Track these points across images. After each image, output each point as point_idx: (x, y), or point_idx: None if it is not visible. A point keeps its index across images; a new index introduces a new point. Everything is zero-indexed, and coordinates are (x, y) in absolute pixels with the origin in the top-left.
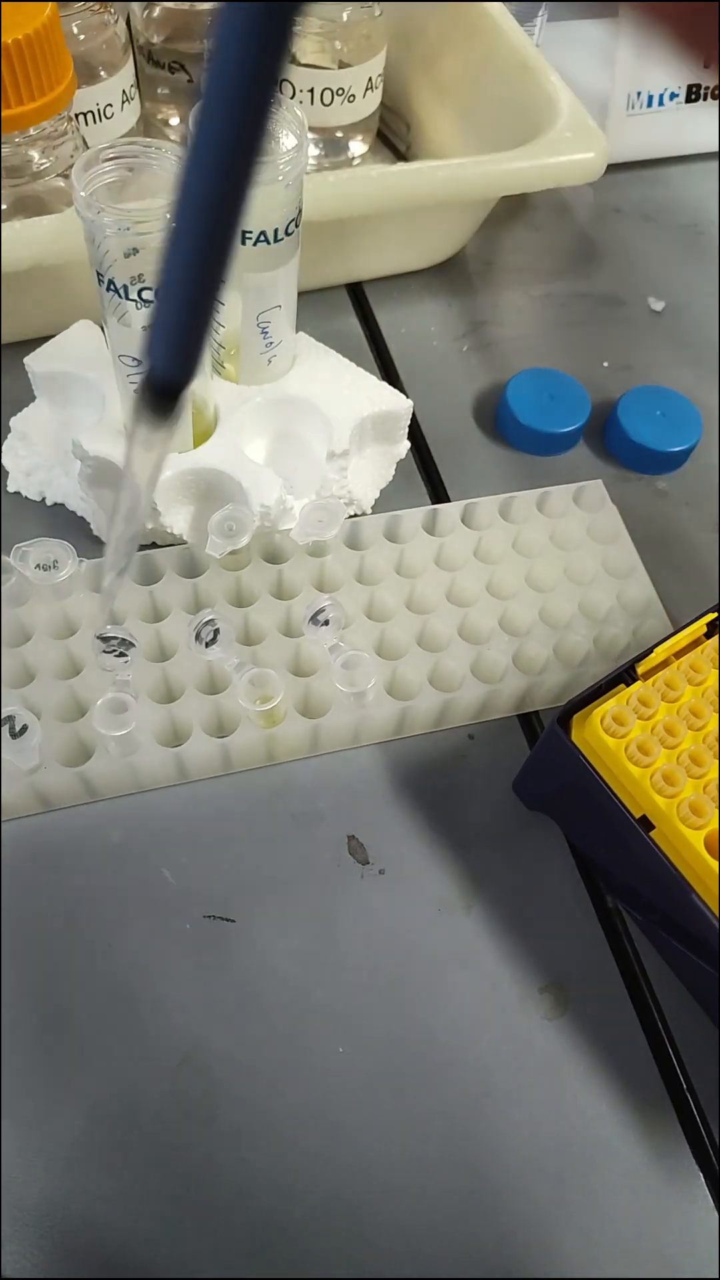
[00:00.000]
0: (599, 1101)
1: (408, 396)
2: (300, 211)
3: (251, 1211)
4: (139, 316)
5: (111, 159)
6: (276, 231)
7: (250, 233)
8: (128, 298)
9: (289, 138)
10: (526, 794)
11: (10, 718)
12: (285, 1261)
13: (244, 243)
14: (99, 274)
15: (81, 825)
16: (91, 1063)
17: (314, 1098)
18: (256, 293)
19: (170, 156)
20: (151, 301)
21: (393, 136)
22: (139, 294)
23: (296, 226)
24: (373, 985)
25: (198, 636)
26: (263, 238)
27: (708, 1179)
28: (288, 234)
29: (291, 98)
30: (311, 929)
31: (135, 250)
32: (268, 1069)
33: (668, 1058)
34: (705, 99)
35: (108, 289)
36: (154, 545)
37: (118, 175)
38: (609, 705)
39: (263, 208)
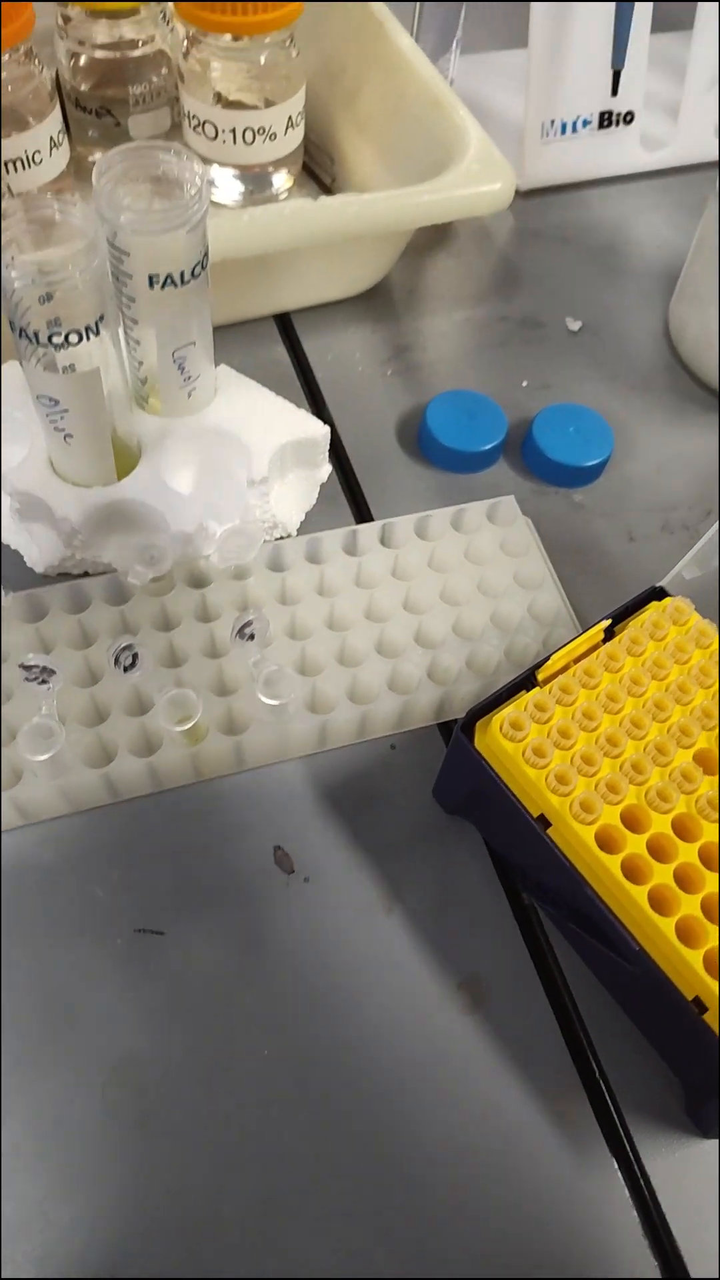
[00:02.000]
0: (515, 1091)
1: (333, 421)
2: (206, 253)
3: (182, 1210)
4: (57, 360)
5: (20, 213)
6: (184, 274)
7: (157, 276)
8: (40, 343)
9: (190, 185)
10: (444, 799)
11: None
12: (214, 1261)
13: (151, 286)
14: (13, 324)
15: (14, 847)
16: (26, 1074)
17: (240, 1100)
18: (170, 331)
19: (73, 205)
20: (63, 342)
21: (318, 169)
22: (50, 340)
23: (203, 268)
24: (298, 989)
25: (116, 661)
26: (170, 280)
27: (620, 1165)
28: (194, 275)
29: (214, 138)
30: (239, 937)
31: (49, 297)
32: (196, 1074)
33: (581, 1046)
34: (618, 124)
35: (22, 338)
36: (85, 574)
37: (28, 229)
38: (507, 711)
39: (168, 253)
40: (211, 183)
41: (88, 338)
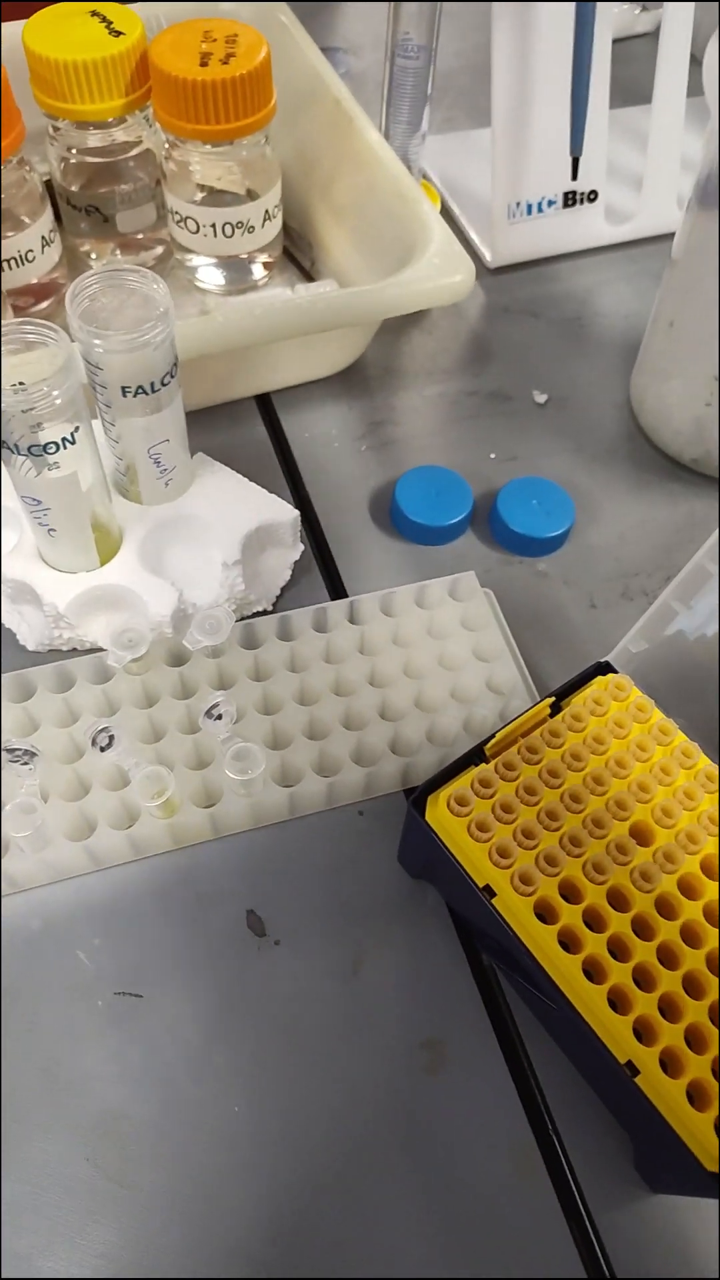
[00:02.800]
0: (473, 1148)
1: (309, 497)
2: (175, 363)
3: (161, 1260)
4: (27, 464)
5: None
6: (154, 384)
7: (129, 387)
8: (23, 454)
9: (157, 305)
10: (407, 864)
11: None
12: None
13: (124, 395)
14: None
15: (3, 916)
16: (13, 1133)
17: (215, 1155)
18: (145, 432)
19: (48, 331)
20: (42, 451)
21: (297, 254)
22: (29, 449)
23: (173, 376)
24: (268, 1047)
25: (94, 743)
26: (141, 390)
27: (571, 1219)
28: (164, 384)
29: (196, 232)
30: (213, 998)
31: (29, 410)
32: (174, 1130)
33: (535, 1104)
34: (582, 203)
35: (7, 449)
36: (74, 650)
37: (13, 352)
38: (454, 786)
39: (139, 367)
40: (195, 271)
41: (64, 447)
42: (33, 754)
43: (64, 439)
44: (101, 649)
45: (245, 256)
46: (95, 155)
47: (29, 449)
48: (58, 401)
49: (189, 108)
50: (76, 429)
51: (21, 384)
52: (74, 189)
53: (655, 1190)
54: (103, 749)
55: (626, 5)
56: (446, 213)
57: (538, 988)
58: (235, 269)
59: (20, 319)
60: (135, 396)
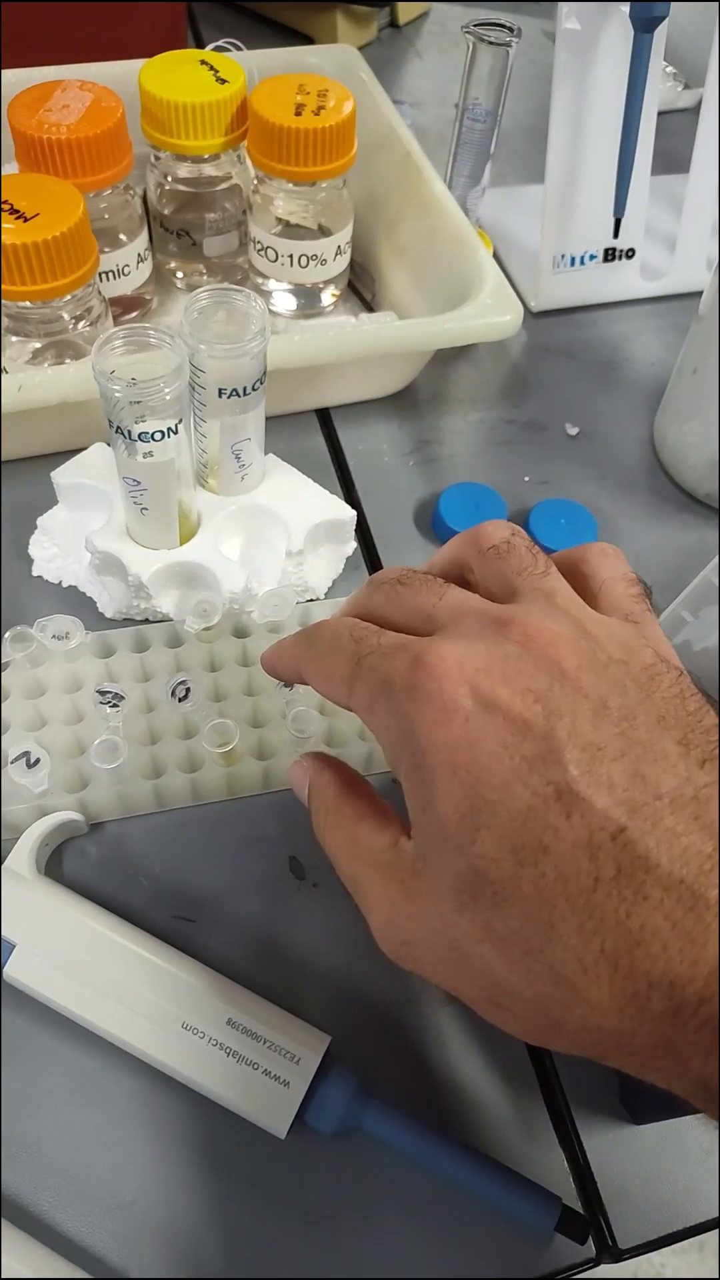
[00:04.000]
0: (480, 1075)
1: (360, 503)
2: (265, 372)
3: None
4: (139, 449)
5: (120, 341)
6: (245, 388)
7: (224, 390)
8: (130, 438)
9: (255, 324)
10: None
11: (27, 753)
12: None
13: (219, 396)
14: (109, 419)
15: (79, 840)
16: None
17: None
18: (230, 430)
19: (165, 336)
20: (149, 438)
21: (360, 286)
22: (138, 435)
23: (261, 384)
24: (301, 975)
25: (173, 693)
26: (234, 392)
27: (562, 1141)
28: (254, 389)
29: (275, 261)
30: (257, 930)
31: (138, 402)
32: None
33: None
34: (620, 259)
35: (115, 431)
36: (146, 621)
37: (126, 353)
38: None
39: (234, 373)
40: (270, 295)
41: (168, 436)
42: (122, 697)
43: (168, 429)
44: (170, 620)
45: (316, 285)
46: (190, 185)
47: (139, 435)
48: (167, 398)
49: (280, 150)
50: (179, 421)
51: (134, 380)
52: (167, 213)
53: (638, 1121)
54: (180, 699)
55: (670, 82)
56: (495, 259)
57: None
58: (306, 296)
59: (139, 325)
60: (228, 398)
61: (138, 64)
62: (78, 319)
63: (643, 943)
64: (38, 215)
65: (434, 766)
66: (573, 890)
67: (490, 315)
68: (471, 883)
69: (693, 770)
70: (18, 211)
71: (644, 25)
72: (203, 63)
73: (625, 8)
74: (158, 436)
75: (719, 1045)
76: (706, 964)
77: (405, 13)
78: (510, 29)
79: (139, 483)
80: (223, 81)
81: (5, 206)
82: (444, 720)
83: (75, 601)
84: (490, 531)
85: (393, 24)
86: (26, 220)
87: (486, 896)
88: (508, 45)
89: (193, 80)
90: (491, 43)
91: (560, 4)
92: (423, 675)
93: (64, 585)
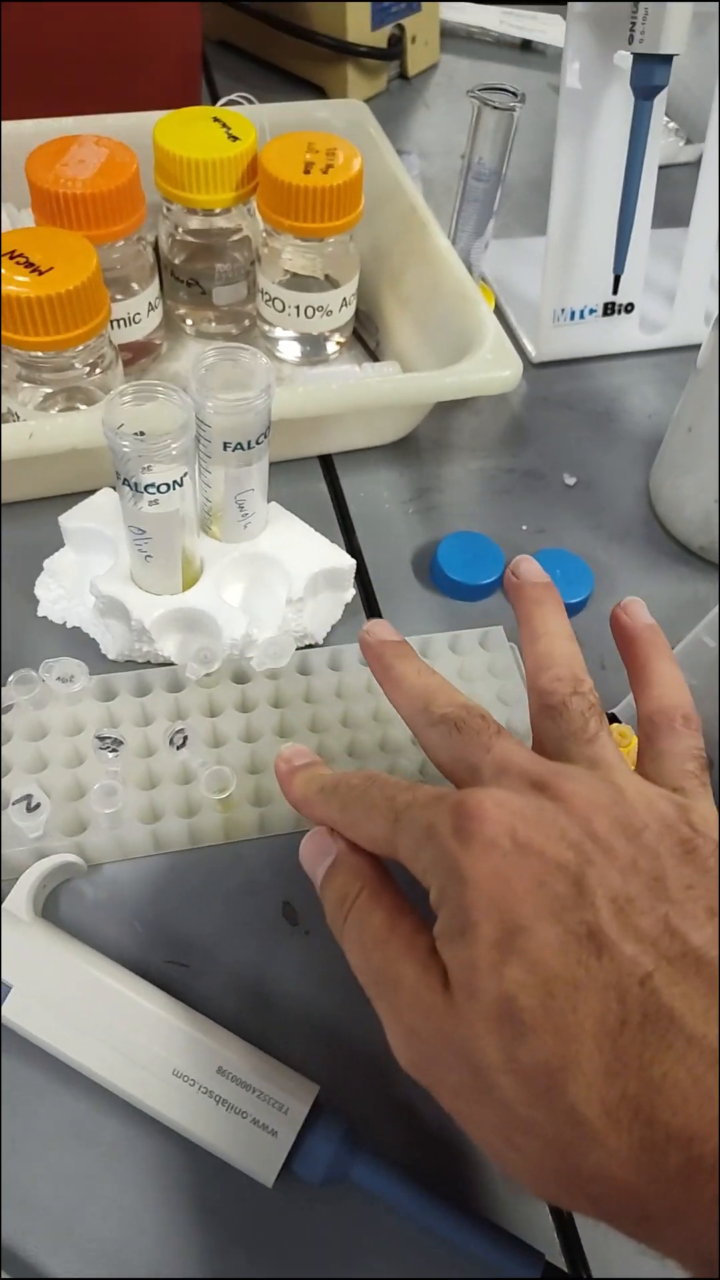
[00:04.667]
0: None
1: (360, 549)
2: (268, 427)
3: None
4: (145, 499)
5: (130, 396)
6: (250, 442)
7: (229, 443)
8: (136, 490)
9: (260, 381)
10: None
11: (28, 796)
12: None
13: (224, 449)
14: (117, 471)
15: (75, 881)
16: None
17: None
18: (234, 481)
19: (174, 393)
20: (154, 489)
21: (365, 335)
22: (144, 487)
23: (265, 437)
24: (291, 1022)
25: (170, 741)
26: (239, 446)
27: None
28: (258, 443)
29: (281, 311)
30: (249, 976)
31: (141, 456)
32: None
33: None
34: (619, 313)
35: (122, 482)
36: (148, 664)
37: (135, 406)
38: None
39: (240, 428)
40: (276, 342)
41: (173, 489)
42: (120, 742)
43: (173, 481)
44: (171, 664)
45: (321, 335)
46: (200, 237)
47: (145, 487)
48: (174, 452)
49: (289, 207)
50: (185, 474)
51: (141, 433)
52: (178, 262)
53: None
54: (178, 747)
55: (672, 138)
56: (498, 310)
57: None
58: (311, 344)
59: (148, 379)
60: (233, 451)
61: (152, 116)
62: (91, 367)
63: (664, 1092)
64: (52, 269)
65: (474, 896)
66: (600, 1030)
67: (490, 370)
68: (501, 1009)
69: (716, 936)
70: (33, 265)
71: (644, 94)
72: (215, 120)
73: (627, 73)
74: (164, 489)
75: None
76: None
77: (414, 64)
78: (514, 93)
79: (144, 531)
80: (234, 139)
81: (20, 260)
82: (483, 855)
83: (79, 642)
84: (551, 687)
85: (402, 75)
86: (41, 274)
87: (514, 1025)
88: (512, 110)
89: (205, 137)
90: (496, 107)
91: (564, 63)
92: (464, 817)
93: (68, 626)
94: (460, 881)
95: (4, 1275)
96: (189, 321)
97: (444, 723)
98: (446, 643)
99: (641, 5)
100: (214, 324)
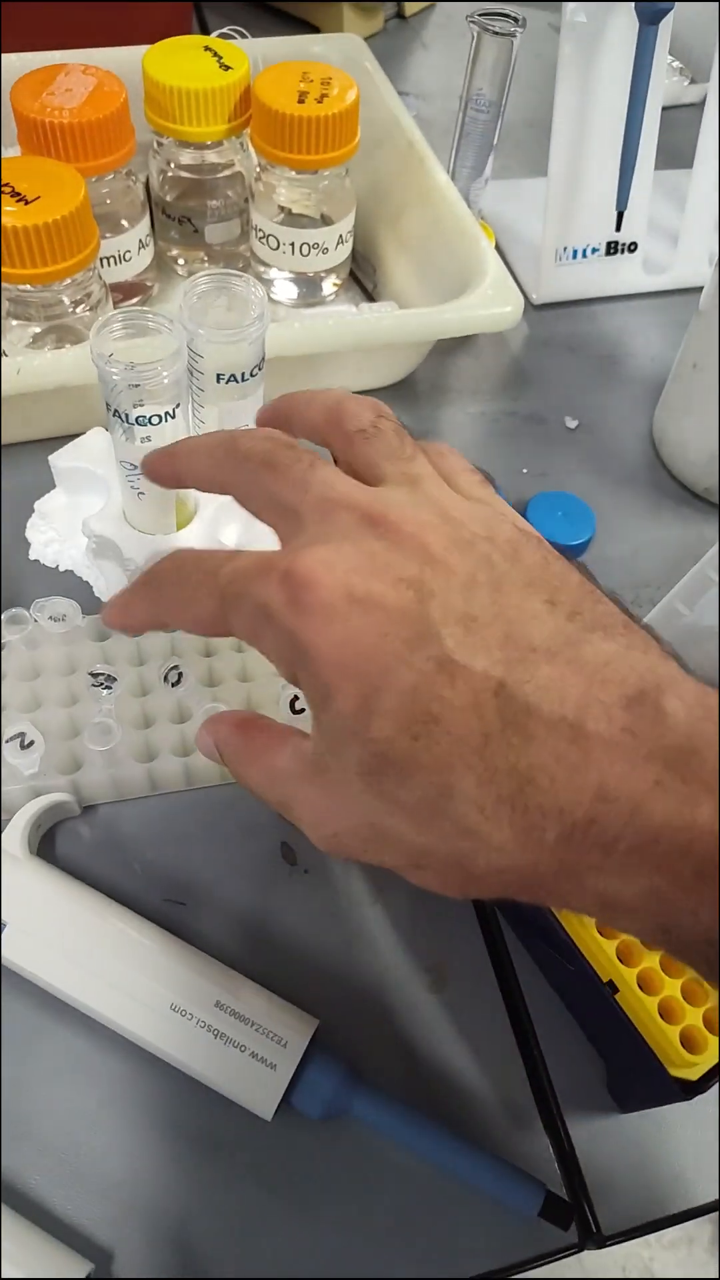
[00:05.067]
0: (466, 1061)
1: None
2: (264, 358)
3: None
4: (137, 433)
5: (119, 325)
6: (243, 374)
7: (223, 375)
8: (128, 422)
9: (254, 309)
10: None
11: (21, 734)
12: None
13: (218, 381)
14: (107, 403)
15: (71, 822)
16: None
17: None
18: (229, 415)
19: (164, 321)
20: (146, 422)
21: (362, 276)
22: (135, 419)
23: (260, 369)
24: (291, 960)
25: (165, 678)
26: (232, 378)
27: (548, 1129)
28: (252, 375)
29: (276, 249)
30: (248, 915)
31: (136, 386)
32: None
33: (524, 1028)
34: (623, 252)
35: (113, 415)
36: None
37: (124, 337)
38: None
39: (233, 358)
40: (271, 283)
41: (165, 420)
42: (114, 679)
43: (166, 413)
44: None
45: (317, 274)
46: (192, 172)
47: (137, 419)
48: (165, 381)
49: (283, 138)
50: (177, 406)
51: (133, 364)
52: (169, 199)
53: (624, 1110)
54: (173, 684)
55: (676, 77)
56: (497, 250)
57: (534, 922)
58: (307, 285)
59: (138, 308)
60: (226, 384)
61: (141, 50)
62: (78, 303)
63: (533, 780)
64: (39, 198)
65: (324, 669)
66: (466, 750)
67: (491, 306)
68: (374, 765)
69: (560, 623)
70: (19, 194)
71: (650, 17)
72: (207, 49)
73: (630, 6)
74: (155, 421)
75: (606, 860)
76: (590, 789)
77: (412, 4)
78: (515, 19)
79: (136, 467)
80: (226, 68)
81: (6, 189)
82: (325, 624)
83: (72, 585)
84: (355, 412)
85: (399, 15)
86: (28, 203)
87: (390, 774)
88: (512, 36)
89: (196, 66)
90: (496, 33)
91: None
92: (295, 588)
93: (61, 569)
94: (308, 657)
95: (6, 1210)
96: (181, 261)
97: (250, 460)
98: None
99: None
100: (206, 263)
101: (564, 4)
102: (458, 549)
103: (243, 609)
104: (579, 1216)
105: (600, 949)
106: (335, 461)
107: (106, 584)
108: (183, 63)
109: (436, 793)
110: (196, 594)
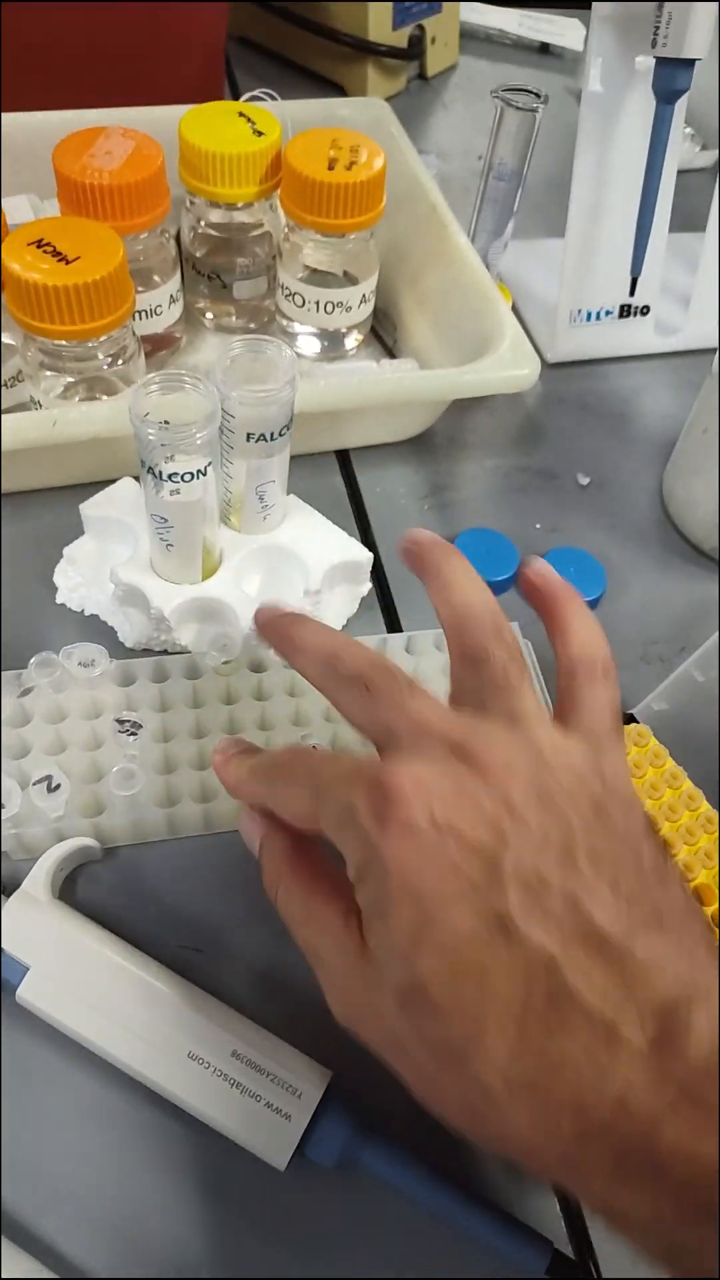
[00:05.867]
0: None
1: (375, 544)
2: (291, 419)
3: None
4: (164, 488)
5: (156, 385)
6: (271, 434)
7: (253, 434)
8: (160, 478)
9: (285, 374)
10: None
11: (48, 777)
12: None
13: (247, 440)
14: (142, 459)
15: (91, 865)
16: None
17: None
18: (256, 472)
19: (199, 383)
20: (178, 478)
21: (382, 332)
22: (168, 475)
23: (287, 429)
24: (304, 1008)
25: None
26: (261, 438)
27: None
28: (280, 435)
29: (301, 306)
30: (263, 962)
31: (166, 444)
32: None
33: None
34: (635, 315)
35: (147, 471)
36: (165, 653)
37: (160, 395)
38: None
39: (262, 419)
40: (295, 338)
41: (197, 478)
42: (140, 725)
43: (197, 471)
44: (188, 651)
45: (340, 330)
46: (222, 230)
47: (169, 475)
48: (198, 441)
49: (313, 202)
50: (209, 464)
51: (166, 422)
52: (199, 255)
53: None
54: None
55: (688, 143)
56: (514, 310)
57: None
58: (330, 340)
59: (175, 370)
60: (255, 442)
61: (177, 110)
62: (113, 358)
63: (561, 1069)
64: (79, 259)
65: (390, 884)
66: (504, 1014)
67: (508, 369)
68: (412, 993)
69: (620, 910)
70: (60, 254)
71: (666, 97)
72: (241, 115)
73: (649, 77)
74: (187, 478)
75: (616, 1171)
76: (612, 1096)
77: (434, 65)
78: (537, 95)
79: (166, 520)
80: (259, 134)
81: (47, 249)
82: (401, 839)
83: (96, 630)
84: (475, 640)
85: (421, 75)
86: (68, 263)
87: (424, 1007)
88: (534, 111)
89: (231, 131)
90: (519, 108)
91: (587, 63)
92: (381, 799)
93: (86, 614)
94: (378, 865)
95: (7, 1250)
96: (209, 315)
97: (354, 684)
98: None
99: (665, 8)
100: (234, 318)
101: (585, 72)
102: (538, 802)
103: (332, 807)
104: (584, 1275)
105: None
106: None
107: (131, 630)
108: (218, 128)
109: (464, 1042)
110: (296, 791)
